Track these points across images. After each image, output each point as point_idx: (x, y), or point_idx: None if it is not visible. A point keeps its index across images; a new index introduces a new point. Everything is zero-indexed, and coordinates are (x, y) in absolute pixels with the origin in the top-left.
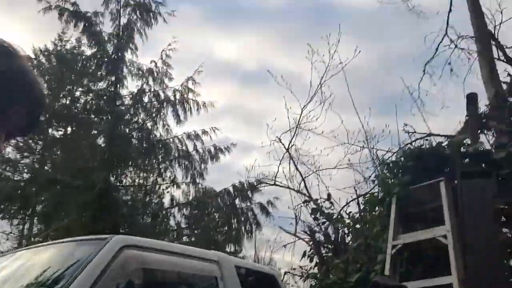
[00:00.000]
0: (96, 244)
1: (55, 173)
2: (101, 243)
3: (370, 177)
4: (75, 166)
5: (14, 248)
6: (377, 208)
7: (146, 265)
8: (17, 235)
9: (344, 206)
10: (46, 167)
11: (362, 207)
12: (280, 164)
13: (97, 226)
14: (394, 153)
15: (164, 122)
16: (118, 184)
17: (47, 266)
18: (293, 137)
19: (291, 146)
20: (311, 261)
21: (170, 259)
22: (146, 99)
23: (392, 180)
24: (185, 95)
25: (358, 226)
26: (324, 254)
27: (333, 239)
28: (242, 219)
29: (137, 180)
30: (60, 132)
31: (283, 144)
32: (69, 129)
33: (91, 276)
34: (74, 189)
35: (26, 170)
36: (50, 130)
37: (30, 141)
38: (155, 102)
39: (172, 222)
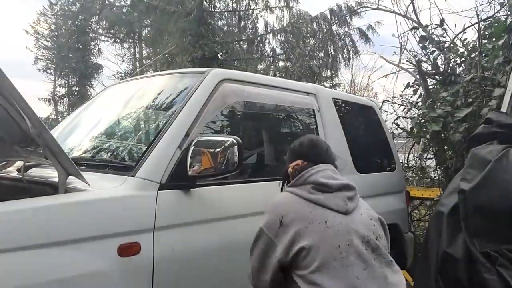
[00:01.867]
0: (196, 77)
1: (153, 0)
2: (200, 76)
3: None
4: None
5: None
6: (502, 36)
7: (245, 98)
8: (130, 57)
9: (460, 33)
10: None
11: (482, 33)
12: None
13: (196, 52)
14: None
15: None
16: (212, 9)
17: (152, 99)
18: None
19: None
20: (415, 93)
21: (268, 92)
22: None
23: None
24: None
25: (474, 55)
26: (430, 87)
27: (442, 70)
28: (339, 45)
29: (230, 4)
30: None
31: None
32: None
33: (195, 107)
34: (171, 15)
35: None
36: None
37: None
38: None
39: (267, 49)
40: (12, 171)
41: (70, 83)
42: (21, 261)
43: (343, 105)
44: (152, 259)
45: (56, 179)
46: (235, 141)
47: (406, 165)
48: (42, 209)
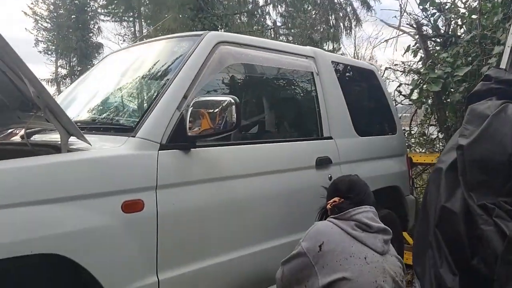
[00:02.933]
0: (193, 40)
1: None
2: (197, 39)
3: None
4: None
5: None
6: None
7: (242, 60)
8: (130, 36)
9: None
10: None
11: None
12: None
13: (195, 26)
14: None
15: None
16: None
17: (151, 63)
18: None
19: None
20: (415, 56)
21: (265, 55)
22: None
23: None
24: None
25: (474, 17)
26: (430, 48)
27: (442, 32)
28: (341, 15)
29: None
30: None
31: None
32: None
33: (192, 69)
34: None
35: None
36: None
37: None
38: None
39: (268, 22)
40: (16, 139)
41: (71, 63)
42: (29, 216)
43: (343, 68)
44: (155, 216)
45: (59, 142)
46: (232, 101)
47: (408, 131)
48: (47, 166)
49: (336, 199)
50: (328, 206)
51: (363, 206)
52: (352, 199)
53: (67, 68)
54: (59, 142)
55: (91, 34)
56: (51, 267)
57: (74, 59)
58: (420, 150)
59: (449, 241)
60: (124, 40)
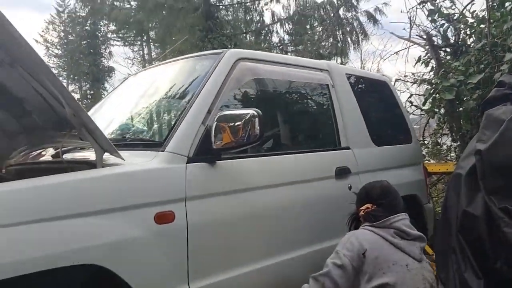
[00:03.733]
0: (214, 58)
1: None
2: (218, 56)
3: None
4: None
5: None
6: (508, 4)
7: (261, 75)
8: (140, 60)
9: (468, 4)
10: None
11: (490, 4)
12: None
13: (205, 47)
14: None
15: None
16: (218, 3)
17: (174, 82)
18: None
19: None
20: (426, 66)
21: (282, 69)
22: None
23: None
24: None
25: (483, 26)
26: (442, 58)
27: (452, 41)
28: (348, 29)
29: None
30: None
31: None
32: None
33: (215, 85)
34: (179, 12)
35: None
36: None
37: None
38: None
39: (275, 39)
40: (46, 158)
41: (83, 88)
42: (71, 228)
43: (357, 80)
44: (185, 226)
45: (92, 158)
46: (255, 113)
47: (421, 141)
48: (85, 181)
49: (368, 205)
50: (362, 212)
51: (400, 213)
52: (385, 205)
53: (79, 92)
54: (92, 159)
55: (102, 59)
56: (83, 278)
57: (86, 83)
58: (433, 160)
59: (472, 245)
60: (133, 64)
